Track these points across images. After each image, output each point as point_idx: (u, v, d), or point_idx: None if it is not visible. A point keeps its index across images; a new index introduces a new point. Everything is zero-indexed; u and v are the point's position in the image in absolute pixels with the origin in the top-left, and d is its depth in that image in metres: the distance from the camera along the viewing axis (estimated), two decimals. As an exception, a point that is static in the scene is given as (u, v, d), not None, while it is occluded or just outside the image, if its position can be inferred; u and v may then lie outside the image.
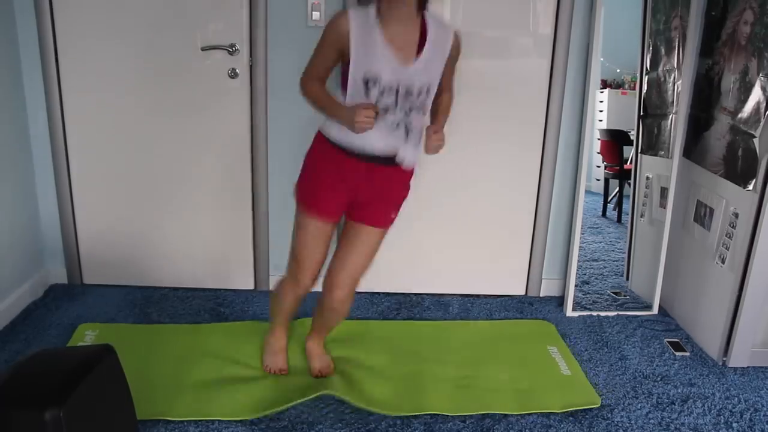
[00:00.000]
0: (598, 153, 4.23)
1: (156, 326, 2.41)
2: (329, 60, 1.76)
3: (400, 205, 1.97)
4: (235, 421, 1.86)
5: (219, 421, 1.85)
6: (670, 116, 2.63)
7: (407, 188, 1.96)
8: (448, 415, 1.92)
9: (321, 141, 1.85)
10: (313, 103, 1.82)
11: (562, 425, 1.91)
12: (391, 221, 1.96)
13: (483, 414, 1.94)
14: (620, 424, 1.92)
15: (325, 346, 2.21)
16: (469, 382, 2.10)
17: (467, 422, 1.90)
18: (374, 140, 1.75)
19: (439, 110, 1.91)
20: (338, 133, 1.78)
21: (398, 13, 1.67)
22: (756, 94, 2.13)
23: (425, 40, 1.72)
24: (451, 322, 2.56)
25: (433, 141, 1.77)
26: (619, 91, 4.32)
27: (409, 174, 1.93)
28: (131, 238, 2.69)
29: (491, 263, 2.80)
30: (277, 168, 2.63)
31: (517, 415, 1.94)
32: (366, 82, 1.70)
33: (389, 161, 1.82)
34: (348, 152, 1.80)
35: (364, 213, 1.91)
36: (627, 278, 3.03)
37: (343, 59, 1.74)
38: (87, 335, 2.30)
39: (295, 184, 1.94)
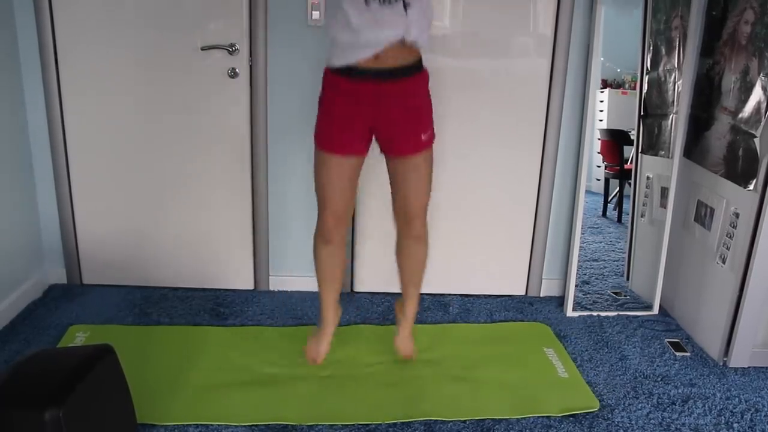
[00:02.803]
0: (599, 153, 4.22)
1: (147, 328, 2.39)
2: None
3: (430, 119, 1.92)
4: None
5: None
6: (671, 116, 2.63)
7: (429, 98, 1.92)
8: (448, 416, 1.93)
9: (327, 76, 1.86)
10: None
11: (562, 425, 1.90)
12: (429, 141, 1.92)
13: (483, 414, 1.94)
14: (621, 425, 1.92)
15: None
16: (465, 387, 2.09)
17: (467, 422, 1.90)
18: (375, 26, 1.72)
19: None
20: (341, 53, 1.77)
21: None
22: (757, 94, 2.13)
23: None
24: (445, 325, 2.54)
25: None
26: (620, 91, 4.31)
27: (424, 81, 1.89)
28: (131, 238, 2.69)
29: (491, 263, 2.80)
30: (277, 168, 2.62)
31: (519, 416, 1.94)
32: None
33: (397, 73, 1.79)
34: (354, 72, 1.77)
35: (396, 144, 1.89)
36: (627, 278, 3.02)
37: None
38: (78, 337, 2.29)
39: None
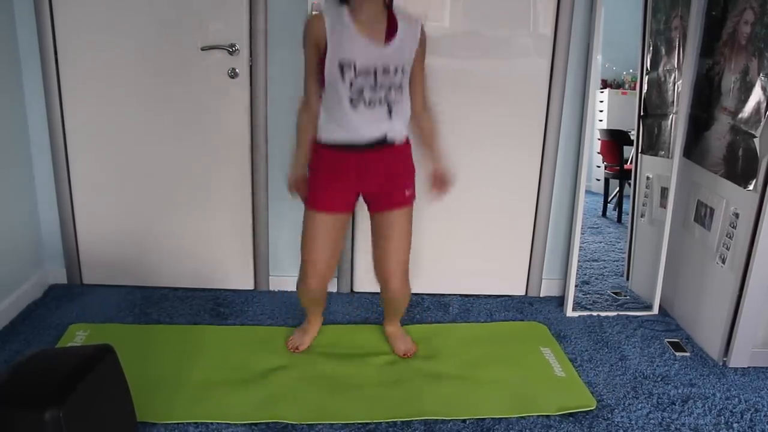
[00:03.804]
0: (598, 153, 4.23)
1: (148, 327, 2.40)
2: (314, 61, 1.88)
3: (412, 181, 2.06)
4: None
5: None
6: (671, 116, 2.63)
7: (411, 164, 2.05)
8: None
9: (315, 147, 1.99)
10: (296, 131, 2.01)
11: (562, 425, 1.90)
12: (410, 198, 2.05)
13: (483, 414, 1.94)
14: (620, 425, 1.92)
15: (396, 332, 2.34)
16: (463, 386, 2.09)
17: (467, 422, 1.90)
18: (360, 127, 1.88)
19: (427, 136, 2.07)
20: (329, 135, 1.93)
21: (368, 8, 1.80)
22: (756, 94, 2.13)
23: (395, 30, 1.85)
24: (444, 325, 2.53)
25: (438, 185, 2.07)
26: (619, 91, 4.32)
27: (406, 150, 2.03)
28: (131, 239, 2.69)
29: (491, 263, 2.80)
30: (277, 168, 2.63)
31: (516, 415, 1.94)
32: (341, 68, 1.81)
33: (380, 144, 1.92)
34: (340, 148, 1.92)
35: (379, 201, 2.02)
36: (627, 278, 3.02)
37: (321, 54, 1.84)
38: (78, 335, 2.29)
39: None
